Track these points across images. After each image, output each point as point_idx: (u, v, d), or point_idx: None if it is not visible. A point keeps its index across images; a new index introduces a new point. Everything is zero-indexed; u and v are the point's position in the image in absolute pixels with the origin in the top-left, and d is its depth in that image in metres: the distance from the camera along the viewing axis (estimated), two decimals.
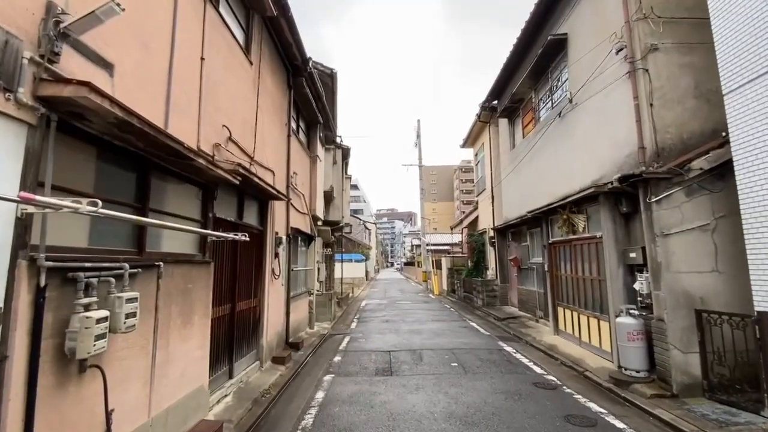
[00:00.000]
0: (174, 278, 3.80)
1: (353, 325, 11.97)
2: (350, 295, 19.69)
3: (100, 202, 2.27)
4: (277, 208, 7.53)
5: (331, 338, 9.90)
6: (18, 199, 1.92)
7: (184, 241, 4.21)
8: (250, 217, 6.33)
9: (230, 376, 5.38)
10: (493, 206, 14.94)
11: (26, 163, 2.27)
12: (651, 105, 5.96)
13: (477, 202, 19.00)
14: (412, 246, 64.84)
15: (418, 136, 28.25)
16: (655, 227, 5.60)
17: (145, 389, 3.31)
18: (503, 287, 14.17)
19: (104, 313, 2.55)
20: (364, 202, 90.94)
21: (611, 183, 6.30)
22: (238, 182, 4.65)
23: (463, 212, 30.65)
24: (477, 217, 18.59)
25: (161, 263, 3.53)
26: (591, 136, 7.60)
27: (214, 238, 4.63)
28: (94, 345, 2.44)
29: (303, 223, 9.82)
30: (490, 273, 15.75)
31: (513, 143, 12.85)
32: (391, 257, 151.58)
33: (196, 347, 4.22)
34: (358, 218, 50.06)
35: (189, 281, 4.09)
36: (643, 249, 6.04)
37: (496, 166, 14.82)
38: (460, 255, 24.73)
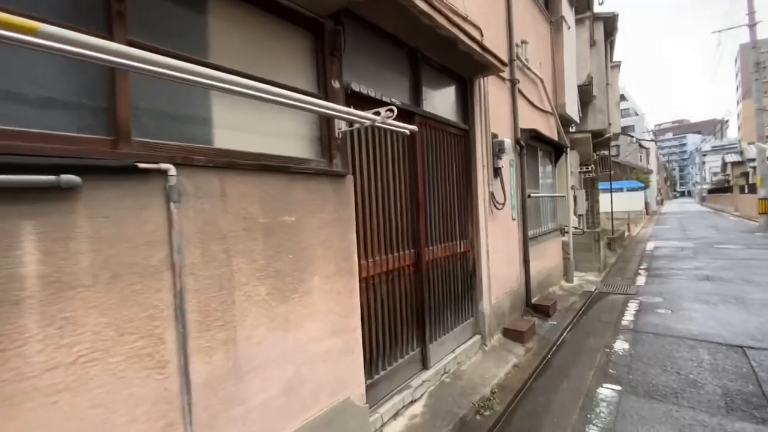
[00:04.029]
0: (230, 203, 1.77)
1: (640, 279, 7.74)
2: (625, 234, 14.33)
3: None
4: (494, 95, 4.56)
5: (602, 300, 6.38)
6: None
7: (271, 134, 2.11)
8: (440, 106, 3.72)
9: (424, 366, 3.27)
10: None
11: None
12: None
13: None
14: (724, 165, 44.96)
15: None
16: None
17: None
18: None
19: None
20: (636, 115, 70.42)
21: None
22: None
23: None
24: None
25: (169, 167, 1.51)
26: None
27: (343, 125, 2.35)
28: None
29: (544, 125, 6.37)
30: None
31: None
32: (681, 184, 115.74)
33: (322, 333, 2.20)
34: (629, 135, 38.23)
35: (285, 209, 2.01)
36: None
37: None
38: None
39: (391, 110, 2.14)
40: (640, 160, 41.04)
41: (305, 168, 2.12)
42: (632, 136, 40.02)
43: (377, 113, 2.19)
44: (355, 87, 2.57)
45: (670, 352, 4.14)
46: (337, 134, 2.36)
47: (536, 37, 6.19)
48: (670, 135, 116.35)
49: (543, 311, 5.33)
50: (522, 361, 3.95)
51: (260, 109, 2.02)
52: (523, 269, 5.27)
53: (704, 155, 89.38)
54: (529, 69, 5.65)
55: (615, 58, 13.86)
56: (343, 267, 2.33)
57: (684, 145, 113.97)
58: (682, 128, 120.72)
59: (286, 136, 2.18)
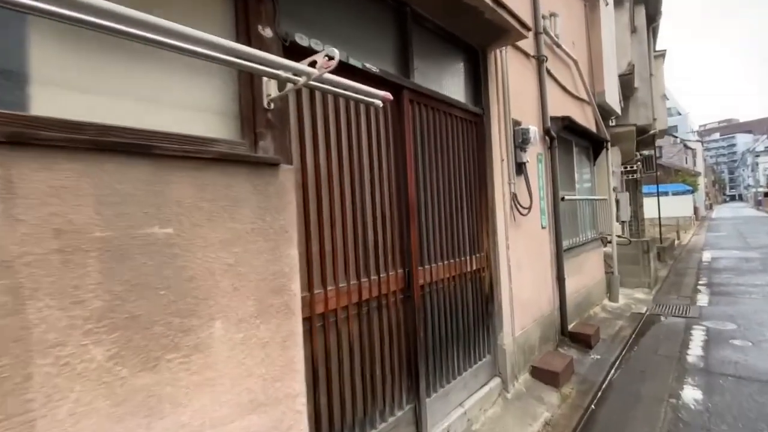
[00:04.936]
0: (28, 204, 1.02)
1: (702, 298, 6.46)
2: (675, 242, 12.74)
3: None
4: (516, 73, 3.67)
5: (656, 325, 5.23)
6: None
7: (151, 100, 1.35)
8: (441, 81, 2.88)
9: (418, 430, 2.39)
10: None
11: None
12: None
13: None
14: None
15: None
16: None
17: None
18: None
19: None
20: (679, 114, 66.06)
21: None
22: None
23: None
24: None
25: None
26: None
27: (273, 89, 1.57)
28: None
29: (579, 114, 5.37)
30: None
31: None
32: (731, 187, 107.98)
33: (232, 409, 1.40)
34: (673, 135, 35.45)
35: (154, 215, 1.24)
36: None
37: None
38: None
39: (330, 57, 1.33)
40: (686, 162, 38.20)
41: (195, 151, 1.35)
42: (676, 137, 37.13)
43: (313, 64, 1.39)
44: (302, 40, 1.79)
45: (763, 408, 3.05)
46: (266, 104, 1.58)
47: (568, 11, 5.24)
48: (716, 135, 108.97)
49: (583, 341, 4.30)
50: (556, 417, 2.98)
51: (123, 59, 1.28)
52: (556, 289, 4.27)
53: (757, 156, 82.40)
54: (559, 47, 4.71)
55: (659, 47, 12.45)
56: (270, 303, 1.53)
57: (733, 145, 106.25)
58: (730, 128, 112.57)
59: (178, 105, 1.42)
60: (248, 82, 1.56)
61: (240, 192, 1.46)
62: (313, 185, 1.87)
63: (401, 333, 2.34)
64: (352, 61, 2.02)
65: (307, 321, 1.79)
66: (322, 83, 1.51)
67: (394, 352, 2.27)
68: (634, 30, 10.24)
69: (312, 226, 1.85)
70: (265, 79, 1.57)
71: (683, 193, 22.72)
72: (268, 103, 1.59)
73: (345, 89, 1.59)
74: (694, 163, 41.04)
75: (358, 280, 2.08)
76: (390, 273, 2.28)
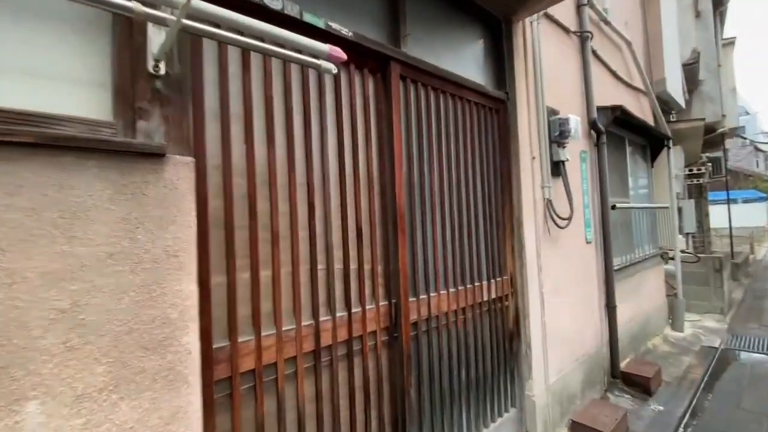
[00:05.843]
0: None
1: None
2: (750, 257, 11.02)
3: None
4: (553, 50, 2.96)
5: (735, 364, 4.20)
6: None
7: None
8: (449, 57, 2.25)
9: None
10: None
11: None
12: None
13: None
14: None
15: None
16: None
17: None
18: None
19: None
20: (747, 114, 59.82)
21: None
22: None
23: None
24: None
25: None
26: None
27: (157, 42, 1.04)
28: None
29: (634, 105, 4.48)
30: None
31: None
32: None
33: None
34: (741, 137, 31.88)
35: None
36: None
37: None
38: None
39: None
40: (756, 166, 34.39)
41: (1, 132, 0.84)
42: (745, 137, 33.43)
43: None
44: None
45: None
46: (151, 67, 1.06)
47: None
48: None
49: (639, 385, 3.44)
50: None
51: None
52: (605, 318, 3.46)
53: None
54: (608, 24, 3.91)
55: (728, 33, 10.92)
56: (141, 367, 1.00)
57: None
58: None
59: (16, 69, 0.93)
60: (126, 35, 1.05)
61: (88, 196, 0.95)
62: (244, 187, 1.33)
63: (382, 389, 1.73)
64: (308, 18, 1.47)
65: (227, 383, 1.25)
66: (220, 28, 0.97)
67: (371, 416, 1.67)
68: (698, 14, 8.99)
69: (238, 247, 1.30)
70: (150, 29, 1.06)
71: (755, 200, 20.11)
72: (155, 66, 1.07)
73: (255, 37, 1.04)
74: (766, 167, 36.84)
75: (315, 319, 1.50)
76: (367, 307, 1.69)
